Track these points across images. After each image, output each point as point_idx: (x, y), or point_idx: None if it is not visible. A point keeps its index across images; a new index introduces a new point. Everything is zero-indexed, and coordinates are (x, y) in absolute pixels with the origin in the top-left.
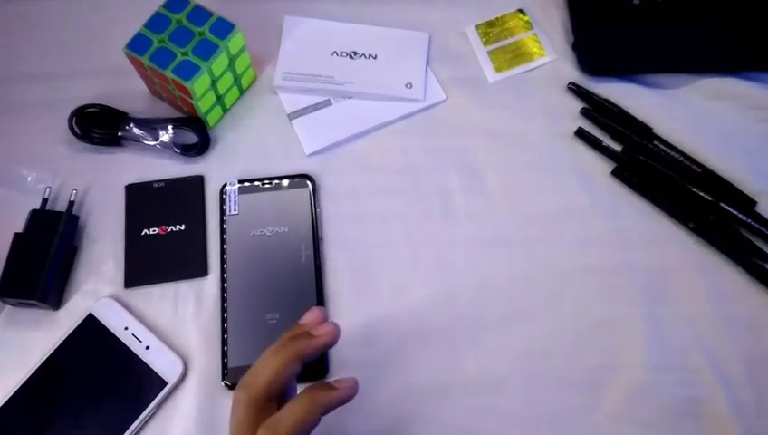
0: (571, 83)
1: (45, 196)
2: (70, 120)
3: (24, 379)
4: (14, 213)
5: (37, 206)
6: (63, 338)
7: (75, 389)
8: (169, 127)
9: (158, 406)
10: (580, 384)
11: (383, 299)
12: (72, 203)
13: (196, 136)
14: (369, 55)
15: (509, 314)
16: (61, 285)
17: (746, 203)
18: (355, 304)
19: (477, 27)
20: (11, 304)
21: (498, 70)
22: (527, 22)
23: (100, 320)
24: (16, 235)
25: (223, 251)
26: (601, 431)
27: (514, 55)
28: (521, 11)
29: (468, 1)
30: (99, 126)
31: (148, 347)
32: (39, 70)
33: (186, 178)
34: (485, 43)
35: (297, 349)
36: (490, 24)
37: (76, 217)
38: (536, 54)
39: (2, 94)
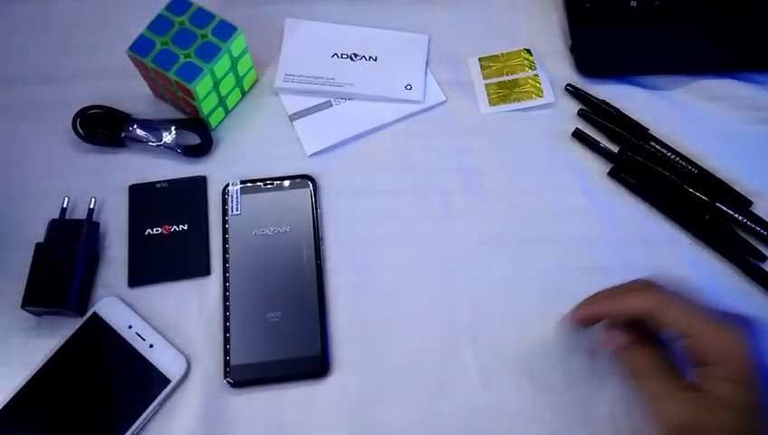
0: (568, 85)
1: (64, 205)
2: (74, 121)
3: (29, 377)
4: (27, 224)
5: (53, 215)
6: (68, 336)
7: (79, 387)
8: (172, 128)
9: (162, 404)
10: (578, 382)
11: (383, 298)
12: (91, 211)
13: (199, 137)
14: (370, 57)
15: (507, 312)
16: (86, 291)
17: (742, 203)
18: (355, 302)
19: (480, 60)
20: (35, 314)
21: (491, 104)
22: (531, 62)
23: (104, 319)
24: (38, 245)
25: (225, 250)
26: (600, 428)
27: (511, 92)
28: (527, 50)
29: (468, 3)
30: (102, 127)
31: (151, 345)
32: (41, 71)
33: (188, 178)
34: (485, 76)
35: None
36: (493, 58)
37: (97, 224)
38: (534, 95)
39: (3, 95)
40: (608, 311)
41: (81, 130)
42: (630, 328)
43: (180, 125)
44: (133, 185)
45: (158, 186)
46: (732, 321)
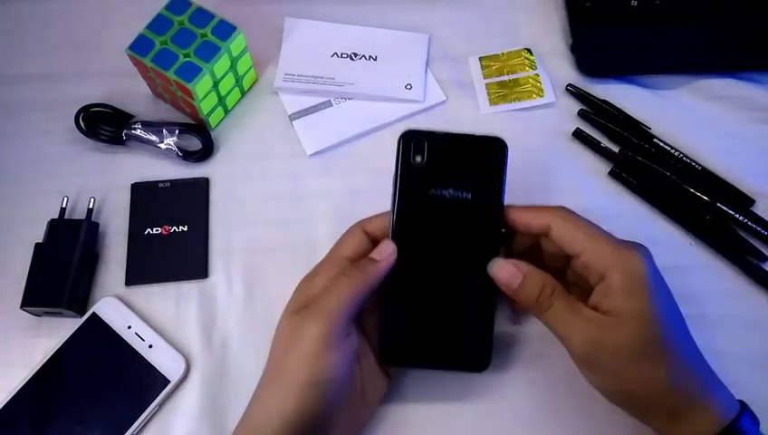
0: (569, 85)
1: (63, 205)
2: (76, 116)
3: (28, 377)
4: (28, 224)
5: (52, 215)
6: (67, 336)
7: (78, 387)
8: (176, 131)
9: (161, 404)
10: (579, 383)
11: None
12: (90, 211)
13: (201, 143)
14: (370, 57)
15: (508, 312)
16: (85, 292)
17: (743, 202)
18: None
19: (481, 59)
20: (34, 314)
21: (492, 103)
22: (532, 61)
23: (104, 319)
24: (37, 245)
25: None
26: (602, 428)
27: (511, 92)
28: (527, 50)
29: (468, 2)
30: (104, 124)
31: (150, 346)
32: (40, 71)
33: (191, 179)
34: (485, 76)
35: (363, 278)
36: (494, 57)
37: (96, 225)
38: (534, 94)
39: (2, 95)
40: (518, 219)
41: (82, 125)
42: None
43: (184, 129)
44: (135, 183)
45: (160, 185)
46: (628, 242)
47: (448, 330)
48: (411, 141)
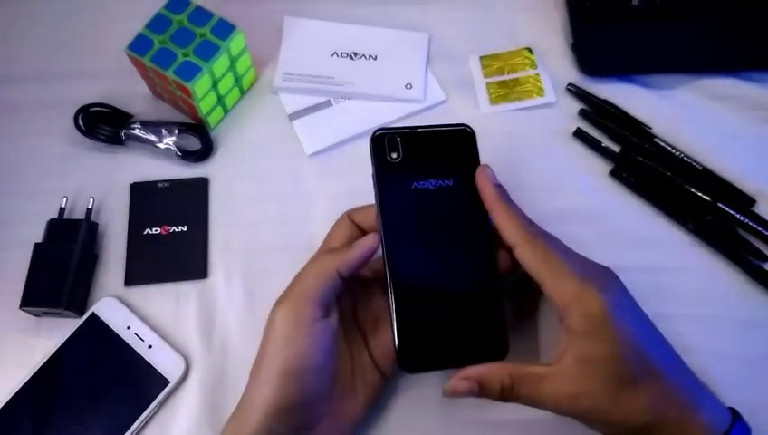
0: (569, 84)
1: (63, 205)
2: (75, 116)
3: (27, 378)
4: (27, 223)
5: (52, 215)
6: (66, 337)
7: (77, 388)
8: (175, 131)
9: (161, 405)
10: None
11: None
12: (89, 211)
13: (200, 143)
14: (369, 56)
15: (509, 312)
16: (85, 292)
17: (745, 202)
18: None
19: (481, 59)
20: (34, 314)
21: (492, 103)
22: (532, 61)
23: (103, 319)
24: (36, 245)
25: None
26: None
27: (512, 91)
28: (528, 49)
29: (469, 1)
30: (104, 124)
31: (150, 346)
32: (39, 70)
33: (190, 179)
34: (485, 75)
35: (333, 260)
36: (494, 57)
37: (95, 225)
38: (535, 94)
39: (2, 94)
40: (493, 216)
41: (81, 125)
42: None
43: (183, 129)
44: (135, 183)
45: (159, 185)
46: (593, 271)
47: (462, 323)
48: (384, 140)
